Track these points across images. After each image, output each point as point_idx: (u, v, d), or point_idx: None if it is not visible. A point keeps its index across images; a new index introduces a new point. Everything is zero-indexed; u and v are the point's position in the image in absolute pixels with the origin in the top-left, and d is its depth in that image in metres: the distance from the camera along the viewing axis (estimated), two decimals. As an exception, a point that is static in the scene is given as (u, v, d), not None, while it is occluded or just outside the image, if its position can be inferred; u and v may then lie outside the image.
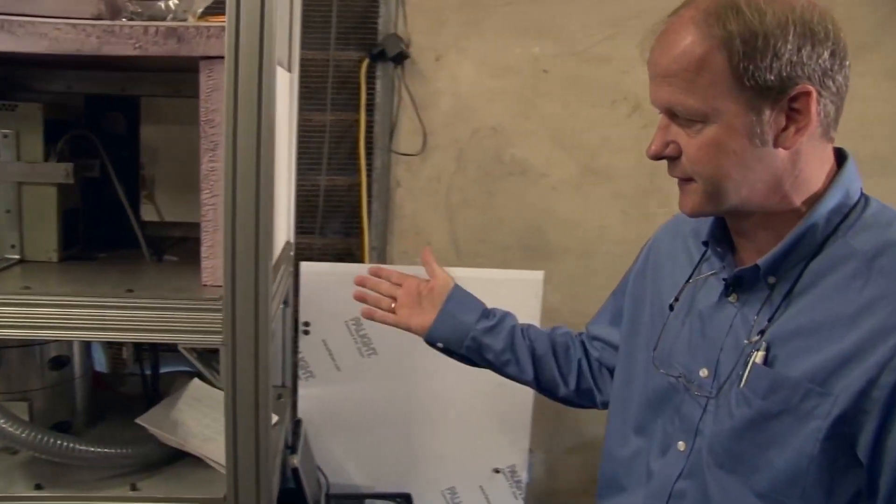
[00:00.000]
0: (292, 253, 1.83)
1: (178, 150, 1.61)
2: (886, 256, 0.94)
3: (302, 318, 1.86)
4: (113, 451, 1.33)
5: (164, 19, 1.26)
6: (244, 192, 1.21)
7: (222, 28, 1.20)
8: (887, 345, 0.89)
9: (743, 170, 0.96)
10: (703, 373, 1.06)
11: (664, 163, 2.50)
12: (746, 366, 0.99)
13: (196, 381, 1.58)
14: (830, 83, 0.94)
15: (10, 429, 1.27)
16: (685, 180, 1.01)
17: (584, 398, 1.40)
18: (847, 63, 0.96)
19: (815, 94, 0.93)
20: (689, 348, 1.10)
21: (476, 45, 2.25)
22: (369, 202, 2.25)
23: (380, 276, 1.45)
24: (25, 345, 1.43)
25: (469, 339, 1.38)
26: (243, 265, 1.23)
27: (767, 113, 0.94)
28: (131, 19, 1.24)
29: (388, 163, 2.26)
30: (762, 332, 0.99)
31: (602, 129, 2.33)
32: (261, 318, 1.25)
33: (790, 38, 0.91)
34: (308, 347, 1.86)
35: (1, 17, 1.18)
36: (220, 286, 1.28)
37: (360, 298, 1.45)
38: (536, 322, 1.92)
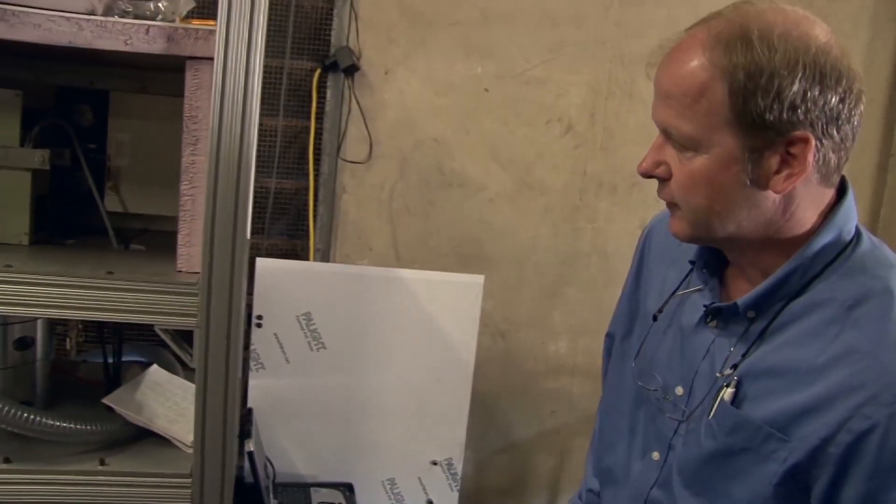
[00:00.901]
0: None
1: (144, 144, 1.67)
2: (864, 307, 0.91)
3: (255, 312, 1.93)
4: (81, 426, 1.38)
5: (153, 19, 1.33)
6: (225, 185, 1.29)
7: (210, 31, 1.29)
8: (848, 404, 0.87)
9: (729, 206, 0.93)
10: (679, 391, 1.06)
11: (595, 182, 2.73)
12: (717, 398, 0.98)
13: (155, 367, 1.63)
14: (834, 132, 0.89)
15: (-20, 402, 1.31)
16: (672, 205, 0.99)
17: None
18: (858, 112, 0.91)
19: (813, 143, 0.88)
20: (668, 362, 1.09)
21: (423, 63, 2.38)
22: (315, 206, 2.34)
23: None
24: (-10, 325, 1.46)
25: None
26: (220, 254, 1.31)
27: (761, 153, 0.90)
28: (122, 17, 1.32)
29: (334, 169, 2.36)
30: (735, 367, 0.98)
31: (537, 146, 2.49)
32: (234, 303, 1.33)
33: (797, 80, 0.86)
34: (260, 340, 1.93)
35: (-2, 7, 1.24)
36: (195, 273, 1.36)
37: None
38: (475, 325, 2.05)
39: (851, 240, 0.96)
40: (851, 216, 0.97)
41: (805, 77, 0.86)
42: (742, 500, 0.96)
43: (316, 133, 2.33)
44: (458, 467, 2.05)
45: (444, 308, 1.97)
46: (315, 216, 2.34)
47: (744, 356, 0.98)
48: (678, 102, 0.92)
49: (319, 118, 2.33)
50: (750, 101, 0.87)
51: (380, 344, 1.97)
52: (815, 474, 0.90)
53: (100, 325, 1.66)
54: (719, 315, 1.02)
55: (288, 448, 1.95)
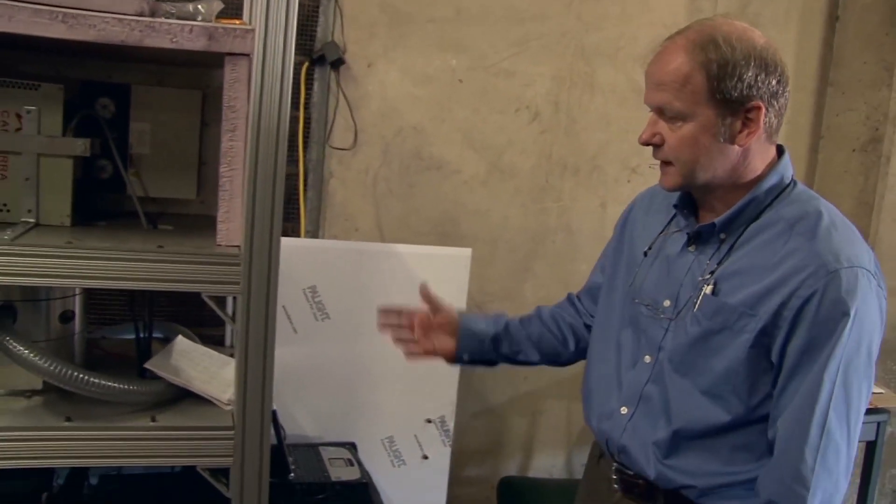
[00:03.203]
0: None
1: (162, 133, 1.81)
2: (802, 222, 1.27)
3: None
4: (134, 387, 1.52)
5: (193, 19, 1.48)
6: (264, 166, 1.45)
7: (247, 30, 1.45)
8: (796, 280, 1.22)
9: (709, 158, 1.28)
10: (666, 303, 1.38)
11: (559, 165, 3.03)
12: (699, 296, 1.32)
13: (181, 337, 1.78)
14: (775, 102, 1.27)
15: (41, 363, 1.44)
16: (665, 164, 1.32)
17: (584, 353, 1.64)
18: (788, 89, 1.29)
19: (764, 109, 1.25)
20: (656, 284, 1.42)
21: (402, 56, 2.55)
22: (305, 190, 2.50)
23: (393, 314, 1.65)
24: (36, 300, 1.59)
25: (488, 343, 1.63)
26: (260, 228, 1.47)
27: (730, 119, 1.26)
28: (167, 18, 1.46)
29: (322, 156, 2.52)
30: (712, 273, 1.32)
31: (507, 133, 2.69)
32: (272, 272, 1.49)
33: (751, 67, 1.23)
34: (269, 313, 2.09)
35: (57, 9, 1.37)
36: (234, 246, 1.52)
37: (395, 340, 1.66)
38: (464, 295, 2.25)
39: (789, 183, 1.34)
40: (789, 168, 1.35)
41: (756, 66, 1.24)
42: (721, 370, 1.30)
43: (305, 122, 2.48)
44: (451, 424, 2.25)
45: (435, 279, 2.13)
46: (305, 200, 2.50)
47: (718, 265, 1.33)
48: (671, 87, 1.27)
49: (308, 108, 2.48)
50: (721, 84, 1.24)
51: (379, 313, 2.15)
52: (774, 333, 1.25)
53: (132, 302, 1.79)
54: (698, 239, 1.37)
55: (295, 412, 2.12)
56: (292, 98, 2.49)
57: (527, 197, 2.74)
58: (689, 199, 1.42)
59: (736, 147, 1.28)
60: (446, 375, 2.22)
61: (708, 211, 1.38)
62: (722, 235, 1.34)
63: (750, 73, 1.24)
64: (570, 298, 1.73)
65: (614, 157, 2.77)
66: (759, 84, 1.25)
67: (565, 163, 2.74)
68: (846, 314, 1.20)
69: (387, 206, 2.59)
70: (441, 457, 2.26)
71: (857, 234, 1.30)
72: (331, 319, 2.14)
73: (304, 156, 2.48)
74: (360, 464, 2.00)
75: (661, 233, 1.46)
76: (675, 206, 1.43)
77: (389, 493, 2.10)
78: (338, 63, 2.44)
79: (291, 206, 2.50)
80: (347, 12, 2.45)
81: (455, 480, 2.62)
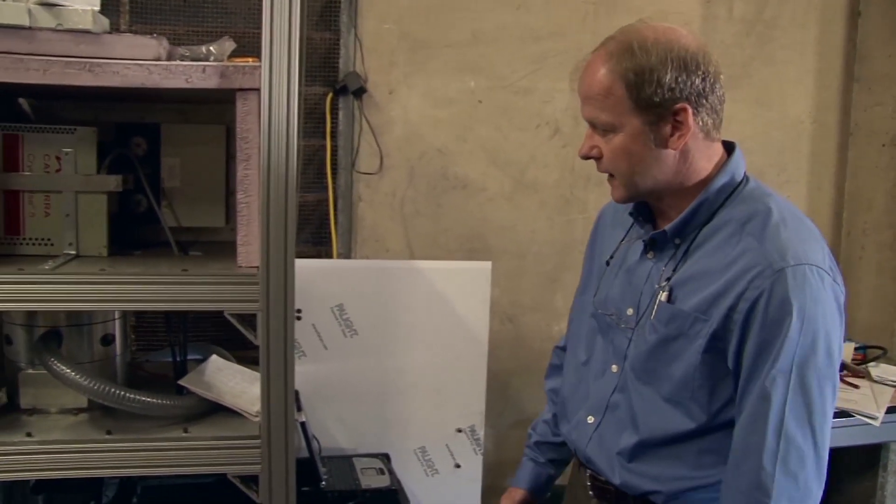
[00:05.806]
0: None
1: (192, 167, 1.94)
2: (753, 222, 1.25)
3: (295, 306, 2.19)
4: (168, 402, 1.64)
5: (206, 61, 1.61)
6: (276, 192, 1.56)
7: (255, 67, 1.57)
8: (743, 282, 1.20)
9: (644, 166, 1.27)
10: (629, 311, 1.38)
11: (583, 177, 3.11)
12: (656, 303, 1.31)
13: (214, 356, 1.90)
14: (704, 101, 1.25)
15: (84, 382, 1.57)
16: (611, 176, 1.32)
17: None
18: (718, 85, 1.26)
19: (690, 110, 1.23)
20: (620, 293, 1.42)
21: (422, 81, 2.66)
22: (336, 215, 2.62)
23: None
24: (79, 324, 1.73)
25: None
26: (275, 248, 1.57)
27: (658, 124, 1.24)
28: (182, 60, 1.59)
29: (350, 181, 2.63)
30: (668, 279, 1.31)
31: (529, 149, 2.77)
32: (288, 289, 1.60)
33: (669, 70, 1.22)
34: (300, 331, 2.19)
35: (84, 60, 1.52)
36: (253, 267, 1.62)
37: None
38: (487, 306, 2.32)
39: (741, 181, 1.32)
40: (740, 166, 1.33)
41: (674, 68, 1.22)
42: (679, 377, 1.29)
43: (332, 150, 2.60)
44: (481, 433, 2.31)
45: (458, 293, 2.24)
46: (336, 224, 2.61)
47: (674, 271, 1.32)
48: (595, 101, 1.27)
49: (334, 137, 2.61)
50: (641, 91, 1.23)
51: (405, 328, 2.24)
52: (727, 337, 1.24)
53: (168, 325, 1.92)
54: (655, 245, 1.37)
55: (329, 425, 2.21)
56: (319, 127, 2.65)
57: (552, 210, 2.80)
58: (646, 207, 1.41)
59: (671, 151, 1.27)
60: (474, 385, 2.30)
61: (663, 217, 1.38)
62: (676, 241, 1.33)
63: (669, 77, 1.22)
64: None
65: (637, 166, 2.82)
66: (681, 86, 1.23)
67: (588, 175, 2.79)
68: (792, 313, 1.17)
69: (415, 226, 2.69)
70: (473, 466, 2.32)
71: (810, 230, 1.28)
72: (359, 335, 2.24)
73: (333, 182, 2.60)
74: (391, 472, 2.07)
75: (623, 241, 1.47)
76: (631, 214, 1.43)
77: (424, 502, 2.17)
78: (360, 92, 2.57)
79: (324, 230, 2.62)
80: (367, 43, 2.58)
81: (494, 490, 2.68)
